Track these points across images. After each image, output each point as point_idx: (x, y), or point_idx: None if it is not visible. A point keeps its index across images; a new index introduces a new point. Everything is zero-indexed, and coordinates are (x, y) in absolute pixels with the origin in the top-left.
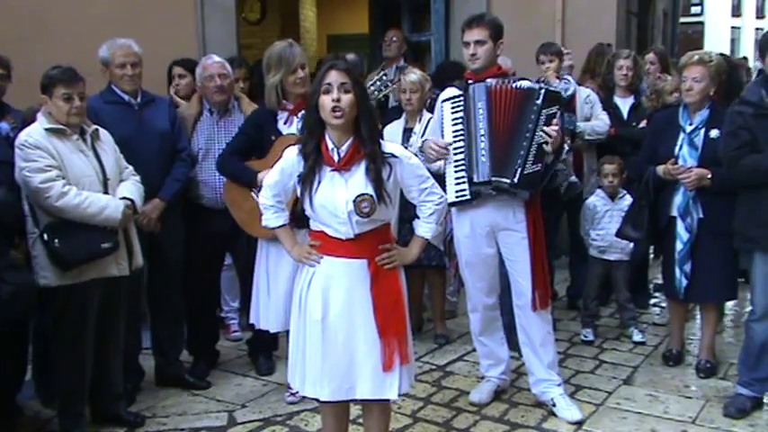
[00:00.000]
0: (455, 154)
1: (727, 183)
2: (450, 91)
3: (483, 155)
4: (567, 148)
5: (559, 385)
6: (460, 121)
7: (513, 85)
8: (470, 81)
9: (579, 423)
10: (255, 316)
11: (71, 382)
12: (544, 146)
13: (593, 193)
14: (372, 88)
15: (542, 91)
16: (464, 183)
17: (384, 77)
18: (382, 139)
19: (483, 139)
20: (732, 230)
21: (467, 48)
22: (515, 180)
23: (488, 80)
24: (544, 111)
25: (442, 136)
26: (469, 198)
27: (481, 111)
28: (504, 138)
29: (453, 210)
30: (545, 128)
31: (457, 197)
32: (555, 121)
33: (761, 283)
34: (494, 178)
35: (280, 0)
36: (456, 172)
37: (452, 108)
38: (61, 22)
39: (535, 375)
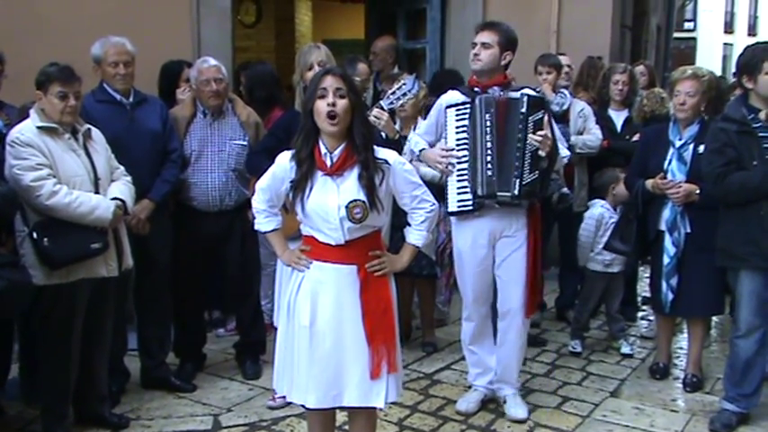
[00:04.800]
0: (458, 163)
1: (713, 198)
2: (455, 96)
3: (489, 168)
4: (566, 159)
5: (516, 387)
6: (465, 129)
7: (508, 96)
8: (476, 89)
9: None
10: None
11: (56, 382)
12: (538, 152)
13: (597, 205)
14: (392, 98)
15: (525, 98)
16: (467, 193)
17: (403, 86)
18: (402, 147)
19: (490, 152)
20: (716, 247)
21: (473, 48)
22: (516, 192)
23: (493, 91)
24: (530, 118)
25: (439, 139)
26: (472, 209)
27: (488, 123)
28: (503, 150)
29: (453, 220)
30: (532, 135)
31: (459, 207)
32: (544, 123)
33: (746, 300)
34: (499, 193)
35: (275, 4)
36: (459, 181)
37: (457, 115)
38: (57, 20)
39: (498, 374)
